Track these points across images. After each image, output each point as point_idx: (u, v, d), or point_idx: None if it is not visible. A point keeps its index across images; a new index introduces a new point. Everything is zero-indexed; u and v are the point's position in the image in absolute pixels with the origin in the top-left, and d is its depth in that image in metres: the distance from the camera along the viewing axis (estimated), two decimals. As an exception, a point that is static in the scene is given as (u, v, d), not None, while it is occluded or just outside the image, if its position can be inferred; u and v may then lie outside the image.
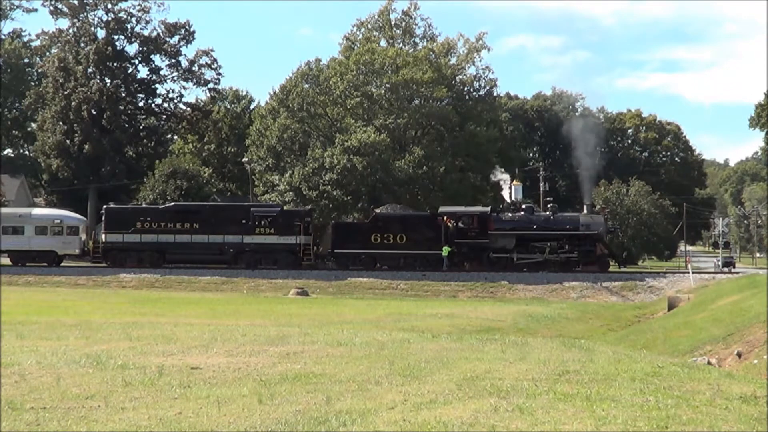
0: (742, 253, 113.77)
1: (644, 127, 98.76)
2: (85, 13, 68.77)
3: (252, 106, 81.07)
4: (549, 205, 46.37)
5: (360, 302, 34.49)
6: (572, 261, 43.03)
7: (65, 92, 65.06)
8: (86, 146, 64.13)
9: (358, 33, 68.30)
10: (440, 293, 40.07)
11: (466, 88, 64.70)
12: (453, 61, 65.19)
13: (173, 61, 69.82)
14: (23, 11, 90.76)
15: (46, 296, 34.44)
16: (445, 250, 42.90)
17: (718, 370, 11.93)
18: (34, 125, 74.24)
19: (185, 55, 70.03)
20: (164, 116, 72.32)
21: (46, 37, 71.80)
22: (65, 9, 68.98)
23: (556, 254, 42.85)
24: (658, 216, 72.98)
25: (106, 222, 46.82)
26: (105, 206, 48.67)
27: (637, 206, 71.73)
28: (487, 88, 65.68)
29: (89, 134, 64.26)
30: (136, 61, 69.58)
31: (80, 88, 64.53)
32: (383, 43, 66.82)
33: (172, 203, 50.71)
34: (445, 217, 44.03)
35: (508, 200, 48.46)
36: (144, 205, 51.23)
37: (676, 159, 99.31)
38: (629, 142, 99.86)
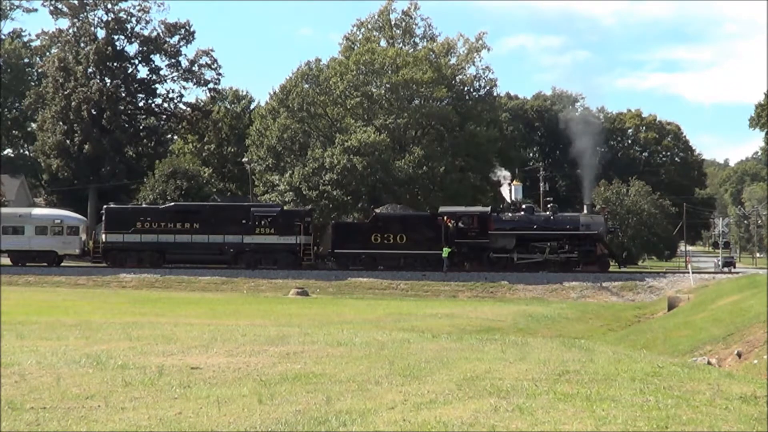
0: (742, 253, 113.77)
1: (644, 127, 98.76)
2: (85, 13, 68.80)
3: (252, 106, 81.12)
4: (549, 205, 46.32)
5: (360, 302, 34.50)
6: (572, 261, 43.02)
7: (65, 92, 65.07)
8: (86, 146, 64.15)
9: (358, 33, 68.35)
10: (440, 293, 40.07)
11: (466, 88, 64.74)
12: (453, 61, 65.21)
13: (173, 61, 69.89)
14: (23, 11, 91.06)
15: (46, 296, 34.44)
16: (446, 252, 42.64)
17: (718, 370, 11.93)
18: (34, 125, 74.26)
19: (185, 55, 70.24)
20: (164, 116, 72.35)
21: (46, 37, 71.85)
22: (65, 9, 69.00)
23: (556, 254, 42.84)
24: (658, 216, 72.97)
25: (106, 222, 46.82)
26: (105, 206, 48.68)
27: (637, 206, 71.73)
28: (487, 88, 65.77)
29: (89, 134, 64.28)
30: (136, 61, 69.63)
31: (80, 88, 64.55)
32: (383, 43, 66.84)
33: (172, 203, 50.71)
34: (445, 217, 44.01)
35: (508, 199, 48.33)
36: (144, 205, 51.24)
37: (676, 159, 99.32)
38: (629, 142, 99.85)
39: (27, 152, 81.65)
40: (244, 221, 45.21)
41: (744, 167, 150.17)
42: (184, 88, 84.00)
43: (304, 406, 7.55)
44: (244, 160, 63.49)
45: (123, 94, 68.31)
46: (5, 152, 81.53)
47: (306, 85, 60.67)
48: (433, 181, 57.55)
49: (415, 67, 58.45)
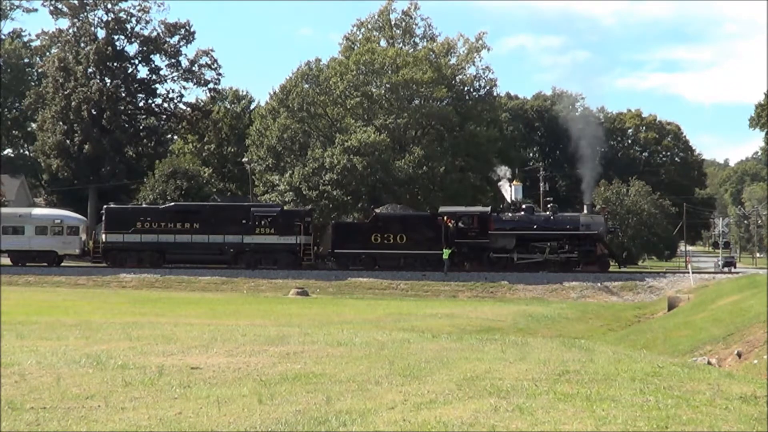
0: (742, 253, 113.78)
1: (644, 127, 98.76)
2: (85, 13, 68.78)
3: (252, 106, 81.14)
4: (549, 205, 46.32)
5: (360, 302, 34.50)
6: (572, 261, 43.02)
7: (65, 92, 65.07)
8: (86, 146, 64.15)
9: (358, 33, 68.34)
10: (440, 293, 40.07)
11: (466, 88, 64.72)
12: (453, 61, 65.20)
13: (173, 61, 69.88)
14: (23, 11, 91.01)
15: (46, 296, 34.44)
16: (446, 253, 42.51)
17: (718, 370, 11.92)
18: (34, 125, 74.25)
19: (185, 55, 70.24)
20: (164, 116, 72.33)
21: (46, 37, 71.82)
22: (65, 9, 68.97)
23: (556, 254, 42.84)
24: (658, 216, 72.98)
25: (106, 222, 46.82)
26: (105, 206, 48.67)
27: (637, 206, 71.74)
28: (487, 88, 65.74)
29: (89, 134, 64.28)
30: (136, 61, 69.62)
31: (80, 88, 64.54)
32: (383, 43, 66.83)
33: (172, 203, 50.71)
34: (445, 217, 44.00)
35: (508, 199, 48.32)
36: (144, 205, 51.23)
37: (676, 159, 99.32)
38: (629, 142, 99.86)
39: (27, 152, 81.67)
40: (244, 221, 45.20)
41: (744, 167, 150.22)
42: (184, 88, 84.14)
43: (304, 406, 7.55)
44: (244, 160, 63.49)
45: (123, 94, 68.30)
46: (5, 152, 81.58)
47: (306, 85, 60.66)
48: (433, 181, 57.54)
49: (415, 67, 58.44)
